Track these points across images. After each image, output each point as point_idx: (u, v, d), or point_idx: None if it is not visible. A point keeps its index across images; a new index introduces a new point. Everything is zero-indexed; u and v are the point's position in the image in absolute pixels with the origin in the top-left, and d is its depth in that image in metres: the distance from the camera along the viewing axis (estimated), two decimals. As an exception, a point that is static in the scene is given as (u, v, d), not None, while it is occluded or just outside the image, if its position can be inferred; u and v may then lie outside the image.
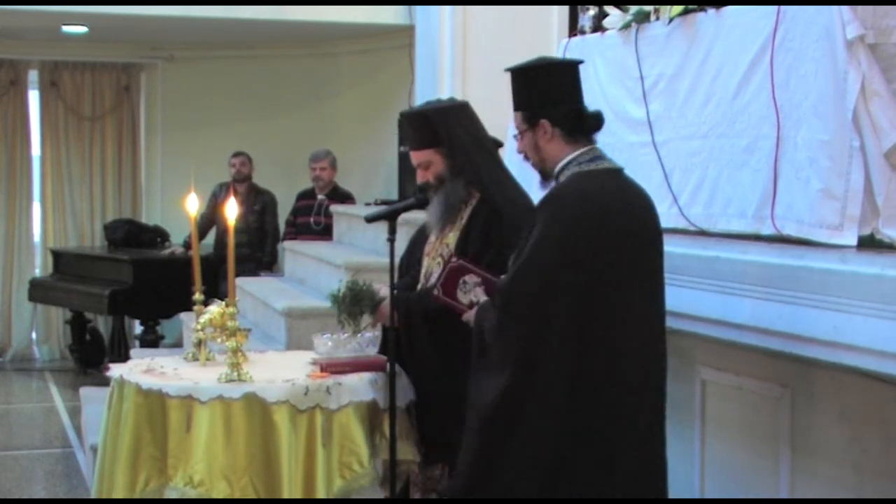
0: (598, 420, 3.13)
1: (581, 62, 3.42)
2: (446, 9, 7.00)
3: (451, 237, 3.83)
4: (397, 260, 3.86)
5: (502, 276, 3.40)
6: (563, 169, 3.27)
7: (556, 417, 3.11)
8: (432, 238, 3.94)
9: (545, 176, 3.35)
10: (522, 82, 3.35)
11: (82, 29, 9.48)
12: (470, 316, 3.42)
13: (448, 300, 3.48)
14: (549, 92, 3.29)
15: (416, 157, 3.86)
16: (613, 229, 3.13)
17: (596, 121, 3.31)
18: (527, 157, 3.39)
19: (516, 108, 3.36)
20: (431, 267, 3.89)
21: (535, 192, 4.20)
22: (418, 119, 3.91)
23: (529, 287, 3.13)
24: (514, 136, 3.40)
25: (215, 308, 3.77)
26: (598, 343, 3.12)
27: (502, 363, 3.15)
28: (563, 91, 3.30)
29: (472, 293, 3.46)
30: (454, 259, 3.52)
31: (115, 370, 3.77)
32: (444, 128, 3.80)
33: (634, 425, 3.18)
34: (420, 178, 3.86)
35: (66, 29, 9.47)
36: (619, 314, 3.14)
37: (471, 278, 3.47)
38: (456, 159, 3.79)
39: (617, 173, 3.28)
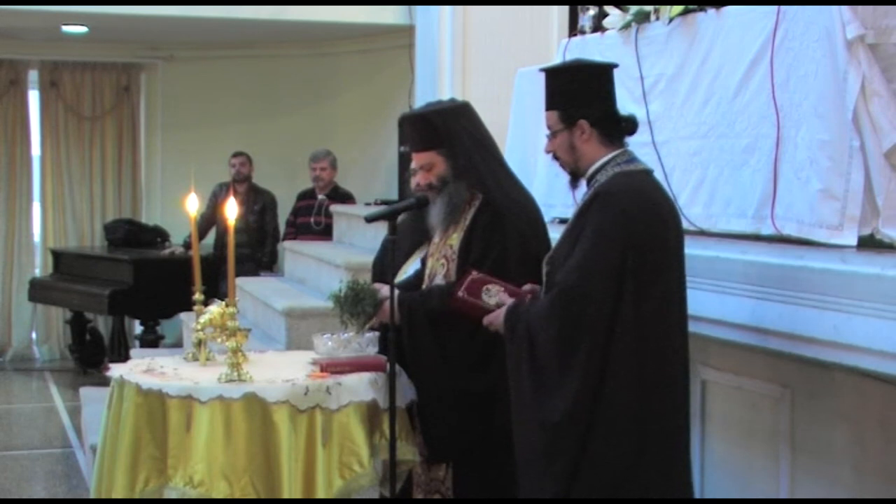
0: (662, 420, 3.17)
1: (616, 65, 3.44)
2: (446, 9, 6.99)
3: (455, 238, 3.83)
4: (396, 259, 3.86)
5: (528, 287, 3.41)
6: (599, 170, 3.28)
7: (627, 422, 3.13)
8: (436, 239, 3.94)
9: (576, 176, 3.36)
10: (560, 82, 3.36)
11: (82, 29, 9.48)
12: (495, 319, 3.39)
13: (474, 300, 3.44)
14: (586, 93, 3.31)
15: (417, 158, 3.86)
16: (665, 227, 3.19)
17: (630, 124, 3.34)
18: (556, 157, 3.39)
19: (550, 107, 3.36)
20: (435, 268, 3.89)
21: (538, 192, 4.21)
22: (419, 121, 3.91)
23: (594, 290, 3.12)
24: (547, 136, 3.40)
25: (215, 308, 3.76)
26: (659, 344, 3.16)
27: (564, 375, 3.15)
28: (600, 93, 3.32)
29: (498, 297, 3.45)
30: (474, 273, 3.49)
31: (115, 370, 3.77)
32: (444, 129, 3.81)
33: (683, 422, 3.26)
34: (423, 179, 3.85)
35: (66, 29, 9.47)
36: (673, 312, 3.21)
37: (493, 286, 3.46)
38: (457, 160, 3.79)
39: (651, 174, 3.34)
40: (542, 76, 3.44)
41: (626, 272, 3.10)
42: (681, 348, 3.26)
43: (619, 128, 3.31)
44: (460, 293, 3.46)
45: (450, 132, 3.80)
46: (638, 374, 3.12)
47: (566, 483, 3.16)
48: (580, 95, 3.30)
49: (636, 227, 3.12)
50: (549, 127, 3.37)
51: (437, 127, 3.81)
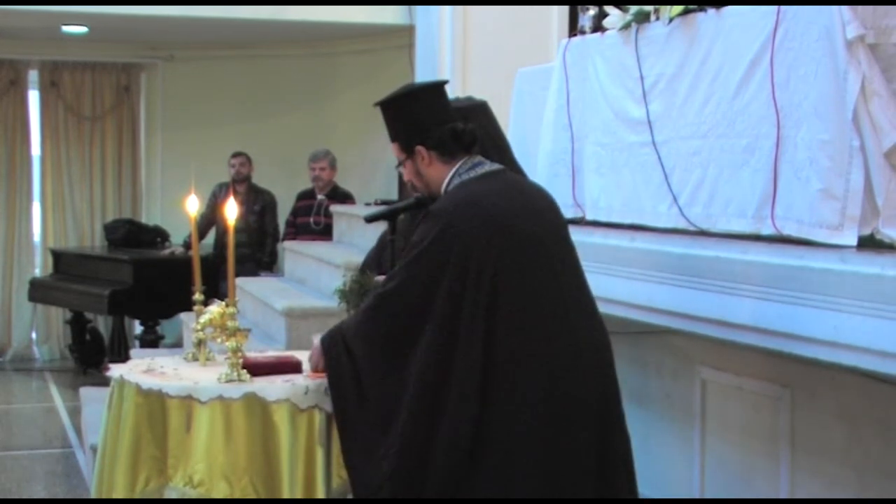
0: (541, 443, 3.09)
1: (446, 82, 3.45)
2: (446, 9, 7.00)
3: None
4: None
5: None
6: (447, 186, 3.31)
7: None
8: None
9: (434, 200, 3.36)
10: (392, 114, 3.39)
11: (82, 29, 9.49)
12: (316, 357, 3.44)
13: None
14: (418, 119, 3.33)
15: None
16: (496, 230, 3.13)
17: (471, 136, 3.33)
18: (413, 186, 3.42)
19: (392, 139, 3.40)
20: None
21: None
22: None
23: (409, 294, 3.14)
24: (396, 167, 3.44)
25: (215, 308, 3.76)
26: (513, 350, 3.09)
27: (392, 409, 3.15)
28: (431, 115, 3.33)
29: None
30: None
31: (115, 370, 3.77)
32: None
33: (581, 439, 3.14)
34: None
35: (66, 29, 9.47)
36: (531, 311, 3.12)
37: None
38: None
39: (496, 175, 3.30)
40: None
41: (448, 283, 3.08)
42: (553, 348, 3.13)
43: (459, 143, 3.30)
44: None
45: None
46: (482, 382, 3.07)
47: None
48: (412, 123, 3.33)
49: (460, 241, 3.10)
50: (396, 157, 3.42)
51: None
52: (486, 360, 3.07)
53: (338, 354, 3.32)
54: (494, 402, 3.08)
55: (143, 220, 10.67)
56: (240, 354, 3.60)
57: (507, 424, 3.08)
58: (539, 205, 3.30)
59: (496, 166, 3.35)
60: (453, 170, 3.30)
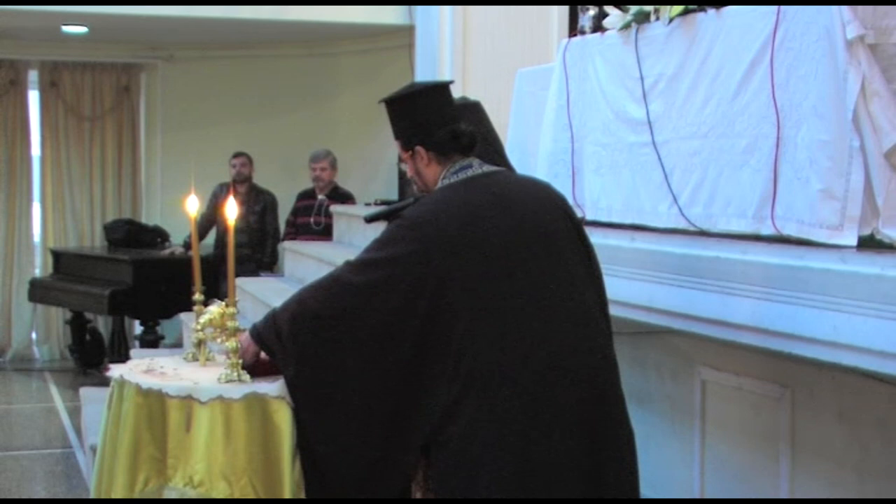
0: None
1: (451, 82, 3.45)
2: (446, 9, 7.00)
3: None
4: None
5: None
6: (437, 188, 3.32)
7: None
8: None
9: None
10: (395, 113, 3.40)
11: (82, 29, 9.49)
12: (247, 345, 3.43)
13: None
14: (420, 119, 3.33)
15: None
16: (462, 239, 3.11)
17: (470, 138, 3.32)
18: (415, 183, 3.43)
19: (395, 137, 3.41)
20: None
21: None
22: None
23: (362, 285, 3.14)
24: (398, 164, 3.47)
25: (215, 308, 3.76)
26: (486, 354, 3.07)
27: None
28: (433, 115, 3.32)
29: None
30: None
31: (115, 370, 3.77)
32: None
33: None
34: None
35: (66, 29, 9.48)
36: (496, 326, 3.08)
37: None
38: None
39: (479, 179, 3.27)
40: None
41: (404, 295, 3.07)
42: (524, 355, 3.08)
43: (457, 145, 3.30)
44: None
45: None
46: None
47: None
48: (413, 122, 3.33)
49: (421, 249, 3.09)
50: (399, 155, 3.43)
51: None
52: (454, 372, 3.06)
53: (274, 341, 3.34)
54: (462, 415, 3.07)
55: (143, 220, 10.68)
56: (240, 355, 3.60)
57: (475, 438, 3.07)
58: (529, 207, 3.24)
59: (485, 169, 3.31)
60: (444, 172, 3.29)
